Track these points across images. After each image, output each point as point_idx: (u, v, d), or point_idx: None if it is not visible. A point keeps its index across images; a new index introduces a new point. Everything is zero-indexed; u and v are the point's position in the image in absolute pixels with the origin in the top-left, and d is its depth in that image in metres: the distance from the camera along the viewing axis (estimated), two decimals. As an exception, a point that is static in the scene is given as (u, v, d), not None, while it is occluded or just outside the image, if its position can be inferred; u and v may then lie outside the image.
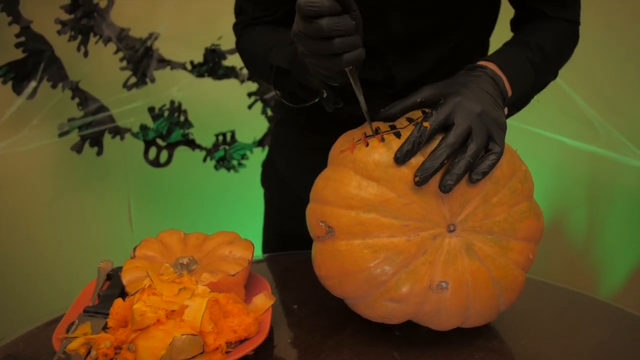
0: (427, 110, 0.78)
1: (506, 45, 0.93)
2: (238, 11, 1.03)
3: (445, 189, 0.71)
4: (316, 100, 0.87)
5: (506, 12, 1.03)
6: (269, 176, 1.25)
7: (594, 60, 1.68)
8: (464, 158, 0.71)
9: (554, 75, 0.97)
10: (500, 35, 1.00)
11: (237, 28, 1.03)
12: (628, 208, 1.74)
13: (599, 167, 1.76)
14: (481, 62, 0.84)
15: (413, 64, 0.97)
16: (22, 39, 1.62)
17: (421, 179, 0.70)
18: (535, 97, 0.97)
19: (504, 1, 1.01)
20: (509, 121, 0.80)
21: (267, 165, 1.26)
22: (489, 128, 0.73)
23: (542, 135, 1.79)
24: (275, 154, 1.21)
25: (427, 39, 0.96)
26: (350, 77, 0.76)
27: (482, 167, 0.72)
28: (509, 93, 0.83)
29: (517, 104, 0.91)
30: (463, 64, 1.01)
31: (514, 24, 1.02)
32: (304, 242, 1.09)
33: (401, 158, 0.72)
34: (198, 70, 1.84)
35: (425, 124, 0.72)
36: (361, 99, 0.78)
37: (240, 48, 1.03)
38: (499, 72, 0.83)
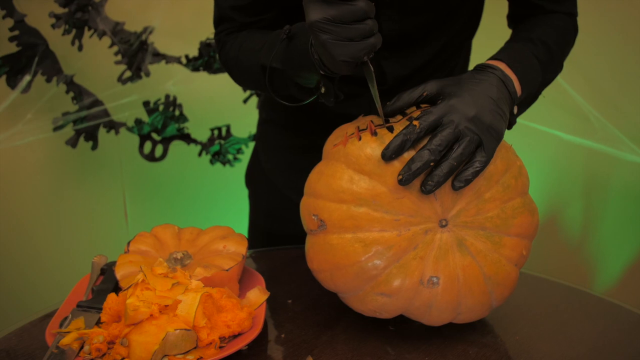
0: (423, 106, 0.78)
1: (511, 42, 0.92)
2: (218, 21, 0.99)
3: (425, 190, 0.71)
4: (314, 97, 0.84)
5: (488, 15, 1.03)
6: (254, 176, 1.24)
7: (590, 55, 1.68)
8: (447, 161, 0.71)
9: (560, 68, 0.96)
10: (485, 35, 1.00)
11: (219, 36, 0.99)
12: (623, 203, 1.74)
13: (595, 161, 1.76)
14: (491, 62, 0.82)
15: (405, 59, 0.97)
16: (16, 32, 1.61)
17: (404, 179, 0.70)
18: (542, 93, 0.96)
19: (487, 2, 1.01)
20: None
21: (251, 166, 1.26)
22: (480, 134, 0.72)
23: (538, 130, 1.79)
24: (261, 153, 1.20)
25: (419, 37, 0.95)
26: (368, 63, 0.74)
27: (465, 174, 0.72)
28: (519, 93, 0.82)
29: (526, 101, 0.89)
30: (448, 62, 1.01)
31: (512, 20, 1.02)
32: (290, 241, 1.09)
33: (387, 155, 0.71)
34: (193, 64, 1.83)
35: (415, 122, 0.72)
36: (374, 86, 0.76)
37: (224, 55, 0.98)
38: (509, 73, 0.81)
